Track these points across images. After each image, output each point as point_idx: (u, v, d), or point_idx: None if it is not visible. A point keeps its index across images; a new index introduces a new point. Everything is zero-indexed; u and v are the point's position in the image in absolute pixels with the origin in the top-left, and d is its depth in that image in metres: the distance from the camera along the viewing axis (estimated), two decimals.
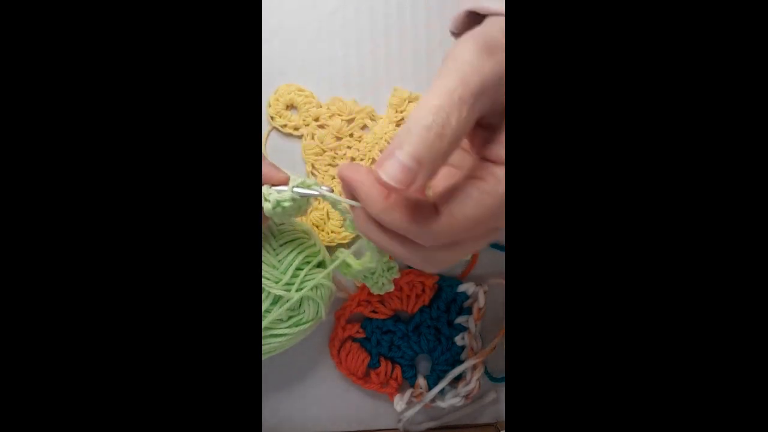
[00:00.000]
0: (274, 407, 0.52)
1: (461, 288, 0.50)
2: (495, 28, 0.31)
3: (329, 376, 0.51)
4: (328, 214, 0.49)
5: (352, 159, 0.49)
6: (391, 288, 0.44)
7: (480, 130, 0.32)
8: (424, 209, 0.30)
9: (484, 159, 0.31)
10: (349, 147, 0.49)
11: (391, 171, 0.28)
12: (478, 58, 0.29)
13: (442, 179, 0.33)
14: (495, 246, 0.51)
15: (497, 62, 0.29)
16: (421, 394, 0.50)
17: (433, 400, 0.50)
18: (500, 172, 0.30)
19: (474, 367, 0.50)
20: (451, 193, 0.31)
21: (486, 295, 0.50)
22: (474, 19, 0.35)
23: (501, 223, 0.31)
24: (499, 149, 0.30)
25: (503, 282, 0.51)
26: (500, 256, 0.51)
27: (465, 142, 0.34)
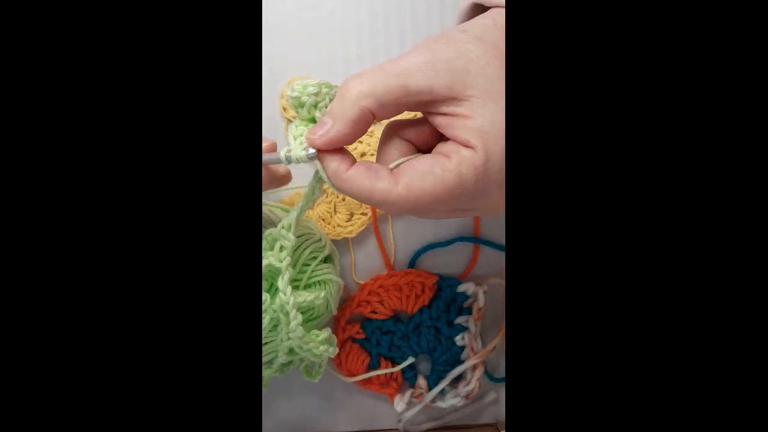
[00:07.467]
0: (274, 408, 0.52)
1: (461, 288, 0.50)
2: (486, 20, 0.32)
3: (329, 377, 0.51)
4: (335, 207, 0.49)
5: (363, 154, 0.48)
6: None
7: (441, 117, 0.31)
8: (383, 179, 0.31)
9: (453, 139, 0.31)
10: (360, 142, 0.49)
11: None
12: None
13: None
14: (495, 246, 0.51)
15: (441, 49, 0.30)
16: (421, 394, 0.50)
17: (433, 401, 0.50)
18: (466, 152, 0.30)
19: (474, 367, 0.50)
20: (414, 166, 0.31)
21: (486, 295, 0.50)
22: (479, 11, 0.35)
23: (460, 204, 0.31)
24: (464, 133, 0.30)
25: (503, 282, 0.51)
26: (500, 256, 0.51)
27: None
